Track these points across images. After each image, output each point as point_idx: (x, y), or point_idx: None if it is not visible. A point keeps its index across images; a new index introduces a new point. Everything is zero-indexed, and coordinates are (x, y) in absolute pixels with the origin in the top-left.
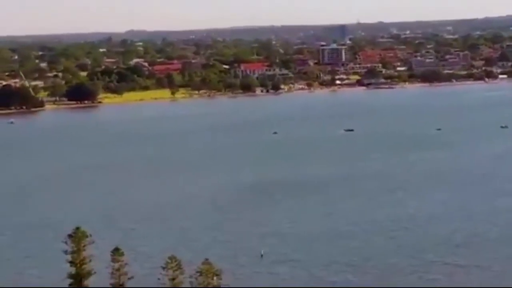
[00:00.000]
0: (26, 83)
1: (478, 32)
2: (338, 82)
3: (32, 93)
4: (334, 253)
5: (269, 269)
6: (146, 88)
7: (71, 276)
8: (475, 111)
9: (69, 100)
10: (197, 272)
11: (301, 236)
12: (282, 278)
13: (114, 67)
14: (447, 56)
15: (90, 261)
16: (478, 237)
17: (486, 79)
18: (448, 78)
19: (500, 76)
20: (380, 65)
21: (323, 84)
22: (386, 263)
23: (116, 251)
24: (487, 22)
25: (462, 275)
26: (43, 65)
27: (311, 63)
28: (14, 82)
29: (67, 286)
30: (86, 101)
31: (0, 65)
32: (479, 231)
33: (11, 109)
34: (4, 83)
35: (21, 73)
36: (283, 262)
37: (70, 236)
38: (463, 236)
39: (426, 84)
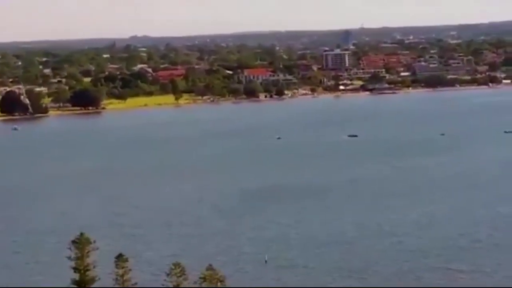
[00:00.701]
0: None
1: (482, 37)
2: (341, 87)
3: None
4: (337, 259)
5: (273, 274)
6: (150, 93)
7: (74, 282)
8: (479, 116)
9: (73, 106)
10: (201, 278)
11: (305, 241)
12: (286, 284)
13: (118, 73)
14: (451, 61)
15: (94, 267)
16: (481, 243)
17: (490, 84)
18: (452, 83)
19: (504, 81)
20: (383, 70)
21: (327, 89)
22: (389, 268)
23: (120, 257)
24: (490, 27)
25: (465, 280)
26: (47, 71)
27: (314, 68)
28: (18, 88)
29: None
30: (90, 107)
31: (4, 72)
32: (482, 236)
33: (15, 115)
34: (8, 89)
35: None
36: (287, 267)
37: (74, 242)
38: (466, 242)
39: (430, 89)
